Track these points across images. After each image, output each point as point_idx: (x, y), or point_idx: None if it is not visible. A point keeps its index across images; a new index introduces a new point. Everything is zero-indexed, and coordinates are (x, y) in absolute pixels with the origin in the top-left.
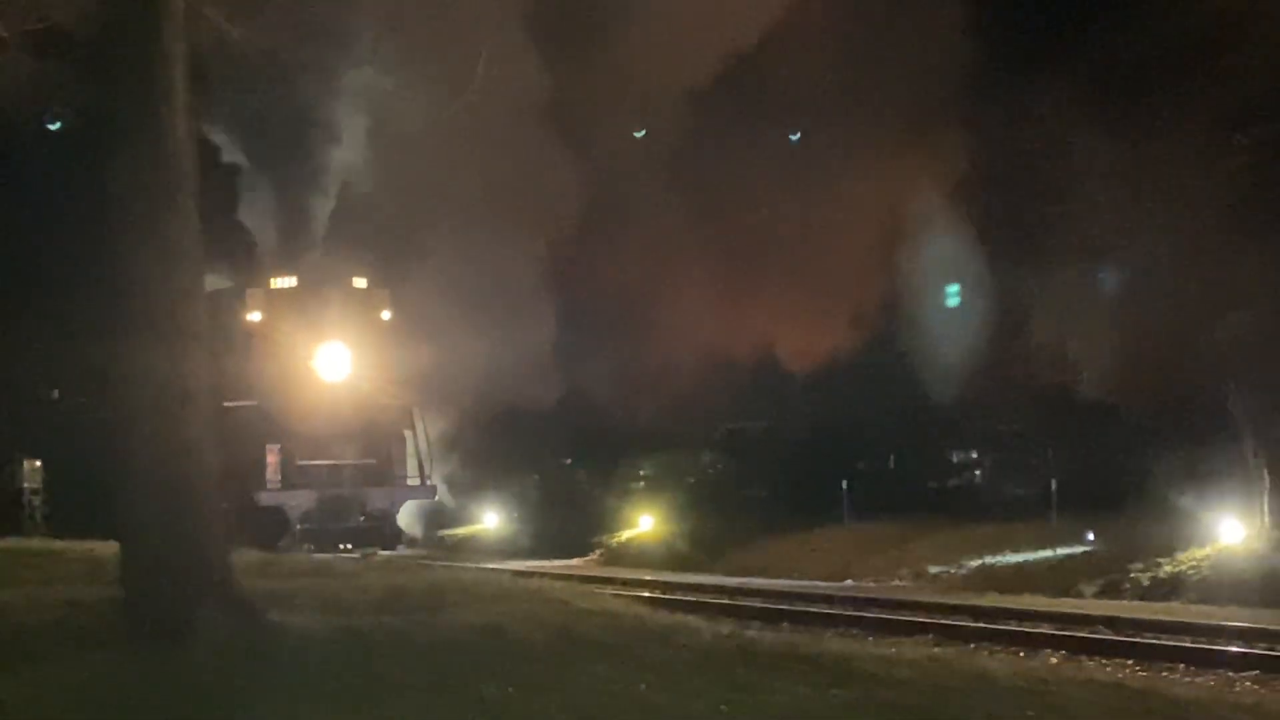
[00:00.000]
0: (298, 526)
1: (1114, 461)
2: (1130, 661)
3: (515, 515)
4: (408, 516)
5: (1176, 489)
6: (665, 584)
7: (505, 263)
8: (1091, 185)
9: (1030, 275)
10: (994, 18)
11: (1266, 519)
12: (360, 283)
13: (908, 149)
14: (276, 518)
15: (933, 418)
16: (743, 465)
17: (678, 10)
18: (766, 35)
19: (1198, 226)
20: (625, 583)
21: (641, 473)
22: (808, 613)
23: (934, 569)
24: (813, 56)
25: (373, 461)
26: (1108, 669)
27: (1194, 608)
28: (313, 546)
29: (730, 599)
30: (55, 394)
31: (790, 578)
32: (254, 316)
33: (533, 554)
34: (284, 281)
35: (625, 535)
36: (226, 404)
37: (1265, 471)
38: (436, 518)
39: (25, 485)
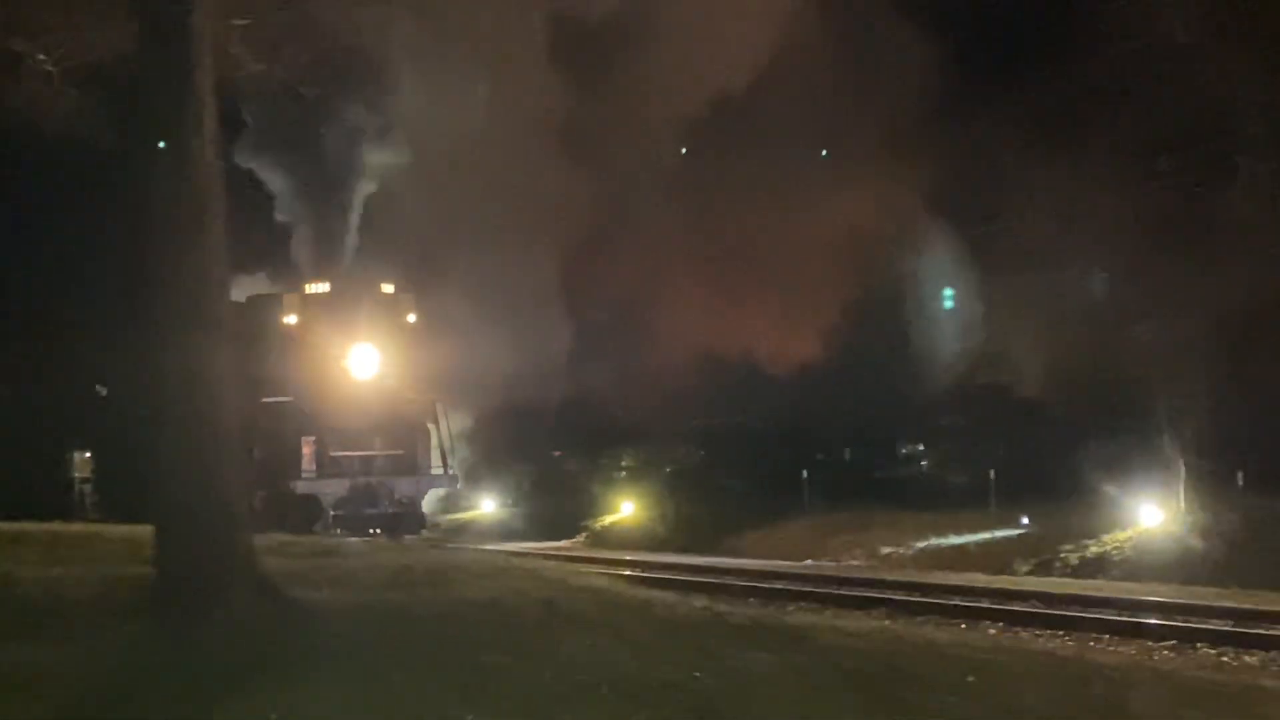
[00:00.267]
0: (331, 513)
1: (1046, 453)
2: (1061, 633)
3: (510, 501)
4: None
5: (1102, 478)
6: (644, 563)
7: (521, 272)
8: (1028, 206)
9: (974, 285)
10: (951, 58)
11: (1182, 504)
12: (388, 288)
13: (875, 175)
14: (311, 504)
15: (883, 414)
16: (715, 457)
17: (679, 48)
18: (756, 71)
19: (1122, 243)
20: (608, 562)
21: (623, 463)
22: (773, 589)
23: (885, 550)
24: (796, 90)
25: (400, 452)
26: (1041, 639)
27: (1118, 584)
28: (344, 531)
29: (702, 577)
30: (103, 390)
31: (757, 558)
32: (290, 319)
33: (525, 537)
34: (318, 287)
35: (609, 520)
36: (266, 400)
37: (1181, 462)
38: (440, 504)
39: (76, 475)
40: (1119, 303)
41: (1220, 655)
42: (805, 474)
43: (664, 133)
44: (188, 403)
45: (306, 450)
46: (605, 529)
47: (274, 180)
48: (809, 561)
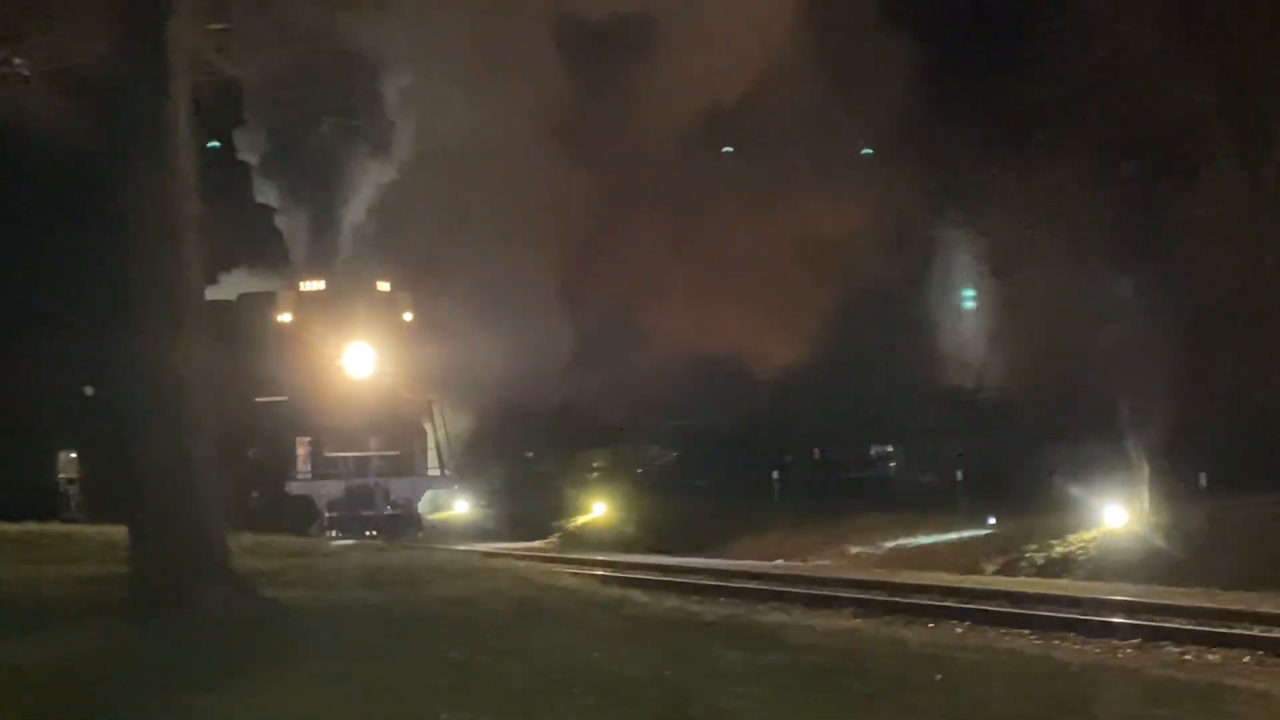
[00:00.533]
0: (326, 514)
1: (1013, 454)
2: (1027, 631)
3: (483, 502)
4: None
5: (1068, 479)
6: (615, 563)
7: (518, 271)
8: (995, 212)
9: (942, 289)
10: (919, 65)
11: (1146, 505)
12: (384, 286)
13: (851, 182)
14: (306, 506)
15: (853, 415)
16: (686, 458)
17: (678, 53)
18: (747, 83)
19: (1086, 247)
20: (580, 562)
21: (595, 464)
22: (743, 589)
23: (854, 549)
24: (783, 105)
25: (396, 453)
26: (1007, 638)
27: (1083, 584)
28: (339, 533)
29: (674, 577)
30: (90, 391)
31: (727, 558)
32: (285, 317)
33: (498, 537)
34: (313, 285)
35: (581, 520)
36: (259, 399)
37: (1145, 463)
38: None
39: (62, 476)
40: (1084, 306)
41: (1184, 654)
42: (776, 475)
43: (661, 137)
44: (162, 402)
45: (301, 451)
46: (578, 530)
47: (270, 176)
48: (779, 561)
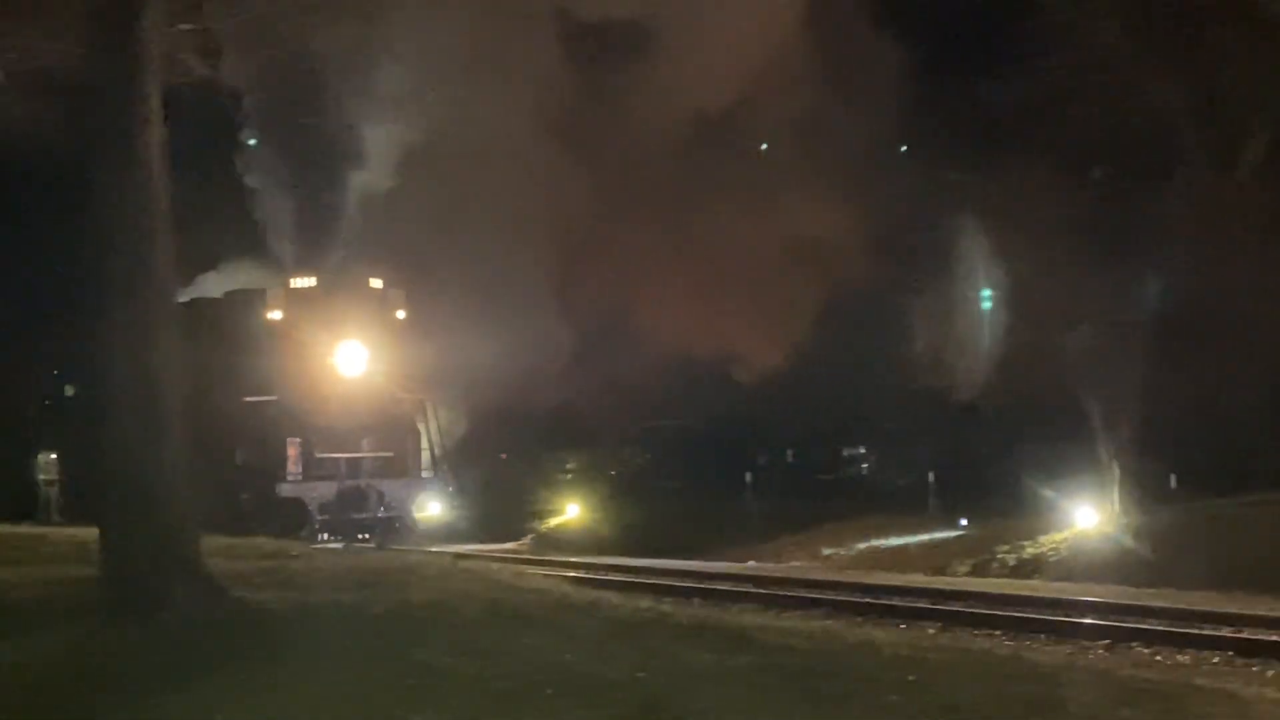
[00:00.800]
0: (317, 517)
1: (984, 456)
2: (998, 632)
3: (456, 503)
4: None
5: (1038, 480)
6: (588, 565)
7: (512, 269)
8: (965, 216)
9: (914, 292)
10: (890, 67)
11: (1117, 506)
12: (377, 283)
13: (835, 189)
14: (297, 508)
15: (826, 417)
16: (659, 459)
17: (672, 63)
18: (740, 87)
19: (1053, 252)
20: (554, 564)
21: (568, 465)
22: (715, 590)
23: (826, 551)
24: (773, 116)
25: (389, 454)
26: (979, 639)
27: (1054, 585)
28: (331, 535)
29: (647, 578)
30: (70, 391)
31: (700, 559)
32: (275, 315)
33: (471, 539)
34: (304, 282)
35: (554, 522)
36: (248, 399)
37: (1115, 464)
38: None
39: (41, 477)
40: (1054, 308)
41: (1154, 654)
42: (748, 476)
43: (655, 137)
44: (132, 402)
45: (291, 452)
46: (550, 531)
47: (260, 171)
48: (751, 563)
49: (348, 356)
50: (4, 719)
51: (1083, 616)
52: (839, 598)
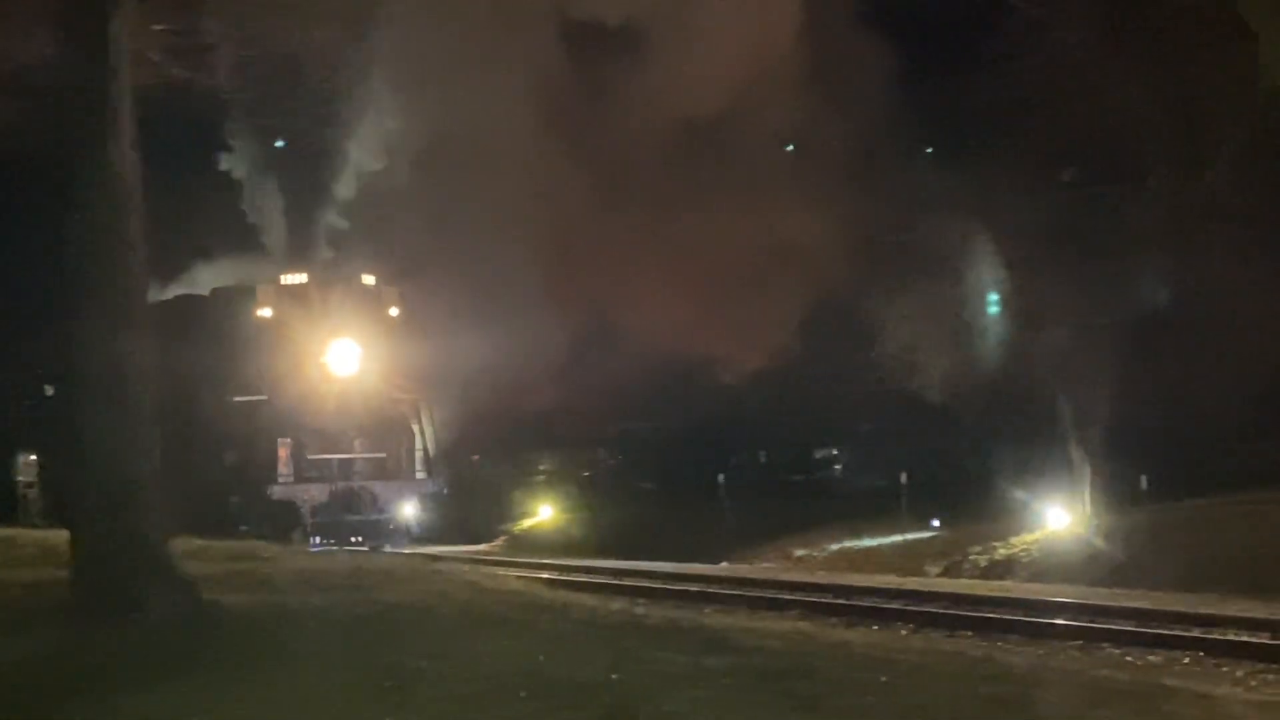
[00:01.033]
0: (309, 520)
1: (956, 457)
2: (970, 633)
3: (429, 505)
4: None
5: (1010, 481)
6: (561, 566)
7: (505, 267)
8: (938, 216)
9: (885, 292)
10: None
11: (1088, 507)
12: (370, 280)
13: (819, 192)
14: (288, 511)
15: (799, 418)
16: (632, 461)
17: (667, 69)
18: (731, 97)
19: (1024, 252)
20: (527, 566)
21: (541, 467)
22: (688, 591)
23: (799, 552)
24: (762, 119)
25: (383, 455)
26: (951, 640)
27: (1026, 585)
28: (324, 539)
29: (620, 580)
30: (50, 391)
31: (673, 561)
32: (265, 312)
33: (443, 540)
34: (295, 278)
35: (527, 524)
36: (238, 399)
37: (1086, 466)
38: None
39: (20, 479)
40: (1026, 310)
41: (1125, 655)
42: (721, 478)
43: (646, 139)
44: (103, 404)
45: (282, 453)
46: (524, 533)
47: (250, 165)
48: (724, 564)
49: (340, 355)
50: None
51: (1054, 617)
52: (812, 599)
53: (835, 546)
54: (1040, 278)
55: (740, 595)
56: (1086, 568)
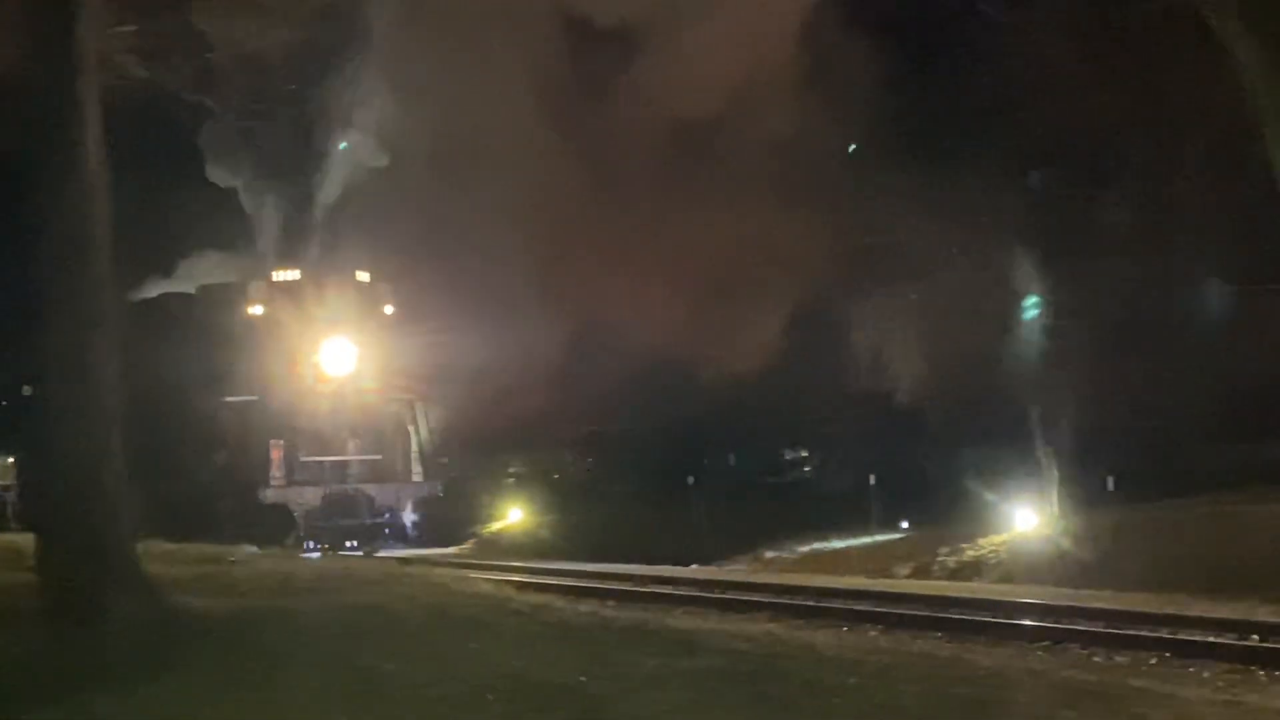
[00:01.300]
0: (303, 524)
1: (925, 458)
2: (939, 634)
3: (426, 507)
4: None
5: (978, 482)
6: (532, 569)
7: (499, 265)
8: (908, 220)
9: (854, 296)
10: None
11: (1055, 509)
12: (364, 276)
13: (795, 202)
14: (281, 515)
15: (768, 420)
16: (602, 463)
17: (660, 75)
18: (721, 101)
19: (997, 253)
20: (497, 568)
21: (511, 470)
22: (658, 594)
23: (769, 554)
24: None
25: (378, 457)
26: (920, 641)
27: (994, 586)
28: (318, 543)
29: (589, 582)
30: (28, 391)
31: (643, 564)
32: (256, 310)
33: (413, 543)
34: (287, 275)
35: (497, 526)
36: (228, 399)
37: (1053, 467)
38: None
39: None
40: (990, 312)
41: (1092, 655)
42: (691, 480)
43: (642, 139)
44: (69, 407)
45: (275, 455)
46: (493, 536)
47: (240, 161)
48: (694, 566)
49: (333, 354)
50: None
51: (1022, 618)
52: (781, 601)
53: (804, 548)
54: (1005, 280)
55: (710, 597)
56: (1054, 568)
